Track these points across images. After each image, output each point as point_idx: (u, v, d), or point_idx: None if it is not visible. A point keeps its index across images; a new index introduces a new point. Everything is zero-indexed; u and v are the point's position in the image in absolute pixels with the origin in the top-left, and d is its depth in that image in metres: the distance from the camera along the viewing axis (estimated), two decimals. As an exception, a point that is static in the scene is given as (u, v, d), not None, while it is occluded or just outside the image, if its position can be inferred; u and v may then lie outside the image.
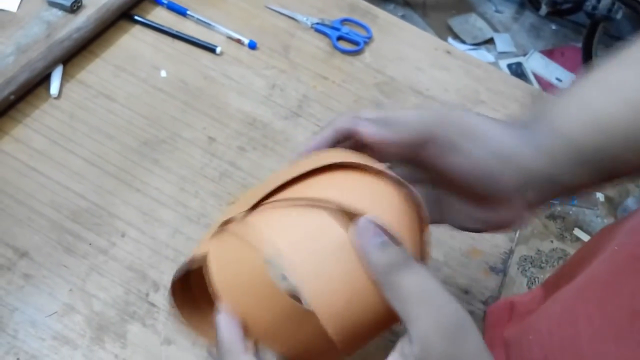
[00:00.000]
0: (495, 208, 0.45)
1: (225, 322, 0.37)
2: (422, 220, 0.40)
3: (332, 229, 0.35)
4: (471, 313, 0.66)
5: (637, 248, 0.44)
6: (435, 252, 0.69)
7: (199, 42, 0.80)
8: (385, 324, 0.37)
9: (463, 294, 0.67)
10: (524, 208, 0.45)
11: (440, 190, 0.47)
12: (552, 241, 2.04)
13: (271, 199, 0.38)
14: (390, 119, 0.42)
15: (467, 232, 0.70)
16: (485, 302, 0.67)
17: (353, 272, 0.34)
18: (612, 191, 2.24)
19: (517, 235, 0.73)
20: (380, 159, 0.42)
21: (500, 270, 0.70)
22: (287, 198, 0.38)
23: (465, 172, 0.43)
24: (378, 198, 0.38)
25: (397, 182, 0.39)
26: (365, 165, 0.39)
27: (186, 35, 0.80)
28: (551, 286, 0.61)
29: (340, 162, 0.39)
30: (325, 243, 0.35)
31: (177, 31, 0.80)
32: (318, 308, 0.34)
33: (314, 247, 0.35)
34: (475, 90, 0.87)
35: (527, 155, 0.43)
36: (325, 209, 0.36)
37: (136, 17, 0.79)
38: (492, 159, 0.42)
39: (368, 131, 0.41)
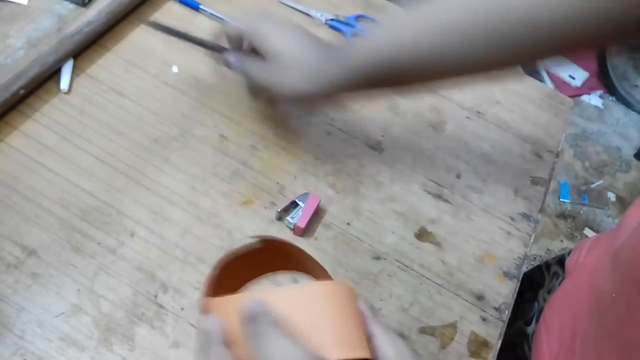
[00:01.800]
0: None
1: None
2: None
3: None
4: (484, 320, 0.65)
5: (632, 299, 0.45)
6: (449, 257, 0.68)
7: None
8: None
9: (476, 299, 0.66)
10: (331, 97, 0.63)
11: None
12: (562, 240, 2.02)
13: None
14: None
15: (481, 237, 0.69)
16: (498, 309, 0.66)
17: None
18: (623, 191, 2.22)
19: (531, 240, 0.72)
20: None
21: (514, 275, 0.69)
22: None
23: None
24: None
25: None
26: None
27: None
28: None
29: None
30: None
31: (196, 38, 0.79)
32: None
33: None
34: (491, 90, 0.86)
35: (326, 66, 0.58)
36: None
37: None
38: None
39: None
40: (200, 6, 0.81)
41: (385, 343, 0.39)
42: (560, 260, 0.74)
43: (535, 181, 0.77)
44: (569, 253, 0.74)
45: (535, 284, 0.77)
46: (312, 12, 0.85)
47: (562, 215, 2.09)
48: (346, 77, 0.58)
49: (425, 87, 0.61)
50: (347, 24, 0.85)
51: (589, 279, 0.60)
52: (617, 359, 0.46)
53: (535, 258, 1.94)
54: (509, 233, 0.72)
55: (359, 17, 0.87)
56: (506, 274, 0.69)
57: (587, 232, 2.06)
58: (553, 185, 2.15)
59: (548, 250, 1.98)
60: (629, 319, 0.45)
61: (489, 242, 0.70)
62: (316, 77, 0.59)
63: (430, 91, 0.65)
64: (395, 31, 0.56)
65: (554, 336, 0.63)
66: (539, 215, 0.75)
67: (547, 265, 0.78)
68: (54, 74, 0.70)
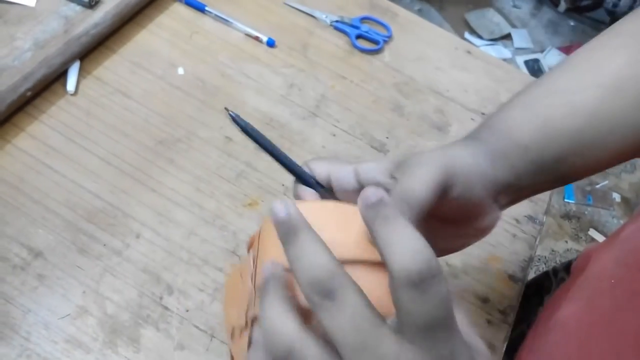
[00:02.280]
0: (474, 219, 0.44)
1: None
2: None
3: None
4: (489, 322, 0.65)
5: (634, 284, 0.44)
6: (453, 259, 0.68)
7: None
8: None
9: (481, 302, 0.66)
10: (498, 211, 0.45)
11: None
12: (566, 241, 2.02)
13: None
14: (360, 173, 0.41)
15: (485, 239, 0.69)
16: (503, 312, 0.66)
17: None
18: (628, 192, 2.21)
19: (537, 242, 0.72)
20: None
21: (520, 278, 0.69)
22: None
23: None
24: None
25: None
26: None
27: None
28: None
29: None
30: None
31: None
32: None
33: None
34: (496, 91, 0.86)
35: (488, 165, 0.43)
36: None
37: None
38: (475, 190, 0.41)
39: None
40: (206, 8, 0.81)
41: None
42: (568, 266, 0.74)
43: (540, 183, 0.77)
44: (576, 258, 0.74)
45: (542, 289, 0.77)
46: (317, 14, 0.85)
47: (567, 216, 2.09)
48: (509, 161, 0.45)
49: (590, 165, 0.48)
50: (352, 26, 0.85)
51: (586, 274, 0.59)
52: (607, 346, 0.46)
53: (539, 259, 1.94)
54: (514, 235, 0.72)
55: (363, 19, 0.87)
56: (511, 277, 0.69)
57: (592, 232, 2.06)
58: (558, 185, 2.13)
59: (553, 251, 1.98)
60: (626, 304, 0.44)
61: (494, 244, 0.70)
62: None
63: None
64: (553, 94, 0.47)
65: None
66: (545, 218, 0.75)
67: (554, 271, 0.78)
68: (60, 75, 0.71)
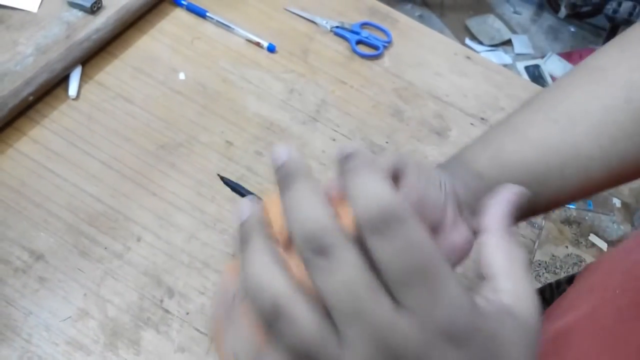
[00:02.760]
0: (440, 228, 0.44)
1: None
2: None
3: None
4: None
5: (638, 295, 0.44)
6: (453, 263, 0.68)
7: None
8: None
9: (480, 306, 0.66)
10: (468, 230, 0.46)
11: None
12: (567, 246, 2.02)
13: None
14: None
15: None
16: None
17: None
18: (628, 197, 2.21)
19: (535, 246, 0.72)
20: None
21: (518, 282, 0.69)
22: None
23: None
24: None
25: None
26: None
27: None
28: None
29: None
30: None
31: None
32: None
33: None
34: (495, 97, 0.86)
35: (446, 177, 0.46)
36: None
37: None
38: (431, 187, 0.43)
39: None
40: (207, 13, 0.82)
41: (498, 247, 0.32)
42: (571, 279, 0.74)
43: (539, 188, 0.78)
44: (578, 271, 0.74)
45: (544, 301, 0.77)
46: (318, 20, 0.86)
47: (567, 221, 2.09)
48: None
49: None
50: (352, 31, 0.86)
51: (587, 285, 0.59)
52: (609, 357, 0.45)
53: (540, 264, 1.94)
54: (512, 239, 0.72)
55: (364, 25, 0.88)
56: (510, 280, 0.69)
57: (592, 238, 2.06)
58: (558, 191, 2.13)
59: (553, 256, 1.98)
60: (631, 315, 0.44)
61: (493, 248, 0.71)
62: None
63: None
64: (524, 131, 0.48)
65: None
66: (543, 222, 0.75)
67: (557, 283, 0.78)
68: (62, 80, 0.71)
